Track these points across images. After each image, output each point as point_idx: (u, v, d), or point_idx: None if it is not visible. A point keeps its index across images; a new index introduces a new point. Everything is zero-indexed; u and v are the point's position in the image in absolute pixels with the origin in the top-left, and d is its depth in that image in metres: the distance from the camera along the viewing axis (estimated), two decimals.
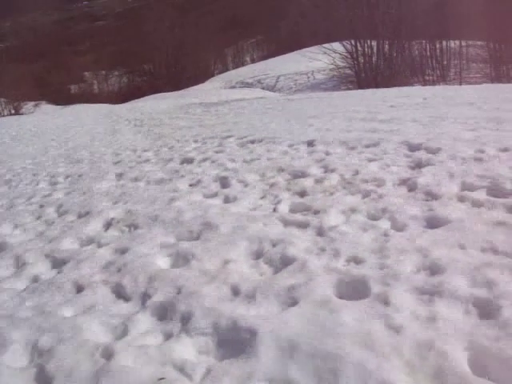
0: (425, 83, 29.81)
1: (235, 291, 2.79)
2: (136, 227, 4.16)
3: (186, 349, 2.35)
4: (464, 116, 7.17)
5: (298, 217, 3.82)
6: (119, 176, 6.53)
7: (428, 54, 34.25)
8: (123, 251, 3.61)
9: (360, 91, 16.20)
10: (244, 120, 10.73)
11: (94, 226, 4.36)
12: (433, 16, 26.13)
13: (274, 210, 4.08)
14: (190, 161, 6.77)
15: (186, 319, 2.57)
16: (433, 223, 3.36)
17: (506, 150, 4.86)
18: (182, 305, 2.69)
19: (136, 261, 3.35)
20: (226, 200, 4.59)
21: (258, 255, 3.28)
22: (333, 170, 4.92)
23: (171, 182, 5.67)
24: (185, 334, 2.44)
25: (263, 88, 34.65)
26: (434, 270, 2.73)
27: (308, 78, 35.12)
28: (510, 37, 26.77)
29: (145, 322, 2.64)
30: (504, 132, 5.72)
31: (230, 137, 8.22)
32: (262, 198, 4.49)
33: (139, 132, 11.96)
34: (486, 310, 2.33)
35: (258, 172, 5.37)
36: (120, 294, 3.01)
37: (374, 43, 24.70)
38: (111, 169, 7.12)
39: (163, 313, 2.69)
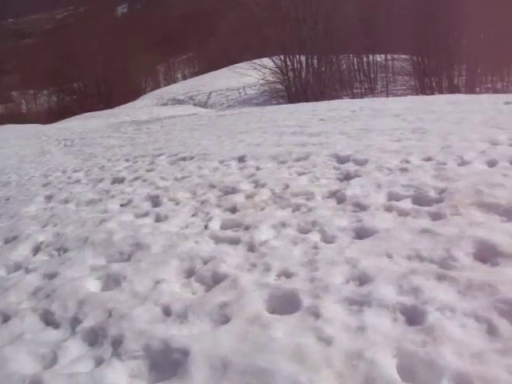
0: (353, 96, 30.51)
1: (167, 311, 2.76)
2: (65, 250, 4.07)
3: (118, 374, 2.31)
4: (390, 127, 7.37)
5: (229, 233, 3.83)
6: (48, 198, 6.37)
7: (356, 67, 35.12)
8: (52, 276, 3.51)
9: (290, 105, 16.41)
10: (175, 137, 10.68)
11: (21, 251, 4.23)
12: (359, 31, 26.83)
13: (206, 227, 4.07)
14: (121, 180, 6.68)
15: (117, 343, 2.52)
16: (361, 234, 3.43)
17: (429, 159, 5.03)
18: (113, 328, 2.65)
19: (65, 285, 3.27)
20: (158, 219, 4.55)
21: (189, 274, 3.26)
22: (263, 185, 4.95)
23: (102, 202, 5.57)
24: (116, 359, 2.39)
25: (195, 104, 34.60)
26: (362, 280, 2.78)
27: (239, 93, 35.32)
28: (432, 51, 27.74)
29: (75, 348, 2.57)
30: (427, 142, 5.91)
31: (161, 155, 8.16)
32: (193, 215, 4.47)
33: (69, 152, 11.73)
34: (413, 317, 2.39)
35: (190, 189, 5.35)
36: (49, 320, 2.92)
37: (303, 58, 25.10)
38: (40, 191, 6.94)
39: (94, 338, 2.63)
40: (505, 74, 31.07)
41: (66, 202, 5.98)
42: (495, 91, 28.54)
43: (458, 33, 29.10)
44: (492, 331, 2.21)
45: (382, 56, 34.36)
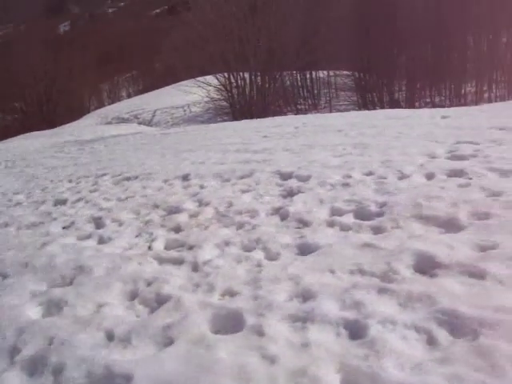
0: (297, 112, 30.87)
1: (110, 336, 2.71)
2: (5, 277, 3.95)
3: None
4: (333, 143, 7.47)
5: (173, 253, 3.81)
6: None
7: (299, 84, 35.57)
8: None
9: (235, 123, 16.46)
10: (119, 157, 10.56)
11: None
12: (302, 48, 27.20)
13: (149, 247, 4.04)
14: (63, 202, 6.55)
15: (58, 371, 2.46)
16: (304, 250, 3.46)
17: (370, 173, 5.13)
18: (54, 356, 2.58)
19: (4, 313, 3.17)
20: (101, 241, 4.48)
21: (133, 296, 3.22)
22: (207, 204, 4.94)
23: (43, 225, 5.45)
24: None
25: (140, 123, 34.26)
26: (306, 296, 2.80)
27: (184, 111, 35.18)
28: (372, 67, 28.40)
29: (14, 379, 2.50)
30: (368, 157, 6.02)
31: (105, 175, 8.05)
32: (136, 236, 4.42)
33: (10, 174, 11.43)
34: (355, 331, 2.42)
35: (133, 210, 5.29)
36: None
37: (246, 75, 25.25)
38: None
39: (34, 367, 2.56)
40: (442, 88, 32.04)
41: (6, 225, 5.81)
42: (434, 105, 29.39)
43: (397, 49, 29.89)
44: (431, 341, 2.27)
45: (325, 72, 34.95)
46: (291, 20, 24.75)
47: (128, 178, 7.34)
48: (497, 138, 6.33)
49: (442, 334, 2.29)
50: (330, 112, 28.81)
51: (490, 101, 28.76)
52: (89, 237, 4.65)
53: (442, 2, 29.80)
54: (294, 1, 25.68)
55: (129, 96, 69.13)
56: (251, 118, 20.51)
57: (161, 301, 3.03)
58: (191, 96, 28.74)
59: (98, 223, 5.07)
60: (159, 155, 9.53)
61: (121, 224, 4.87)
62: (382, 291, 2.72)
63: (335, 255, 3.23)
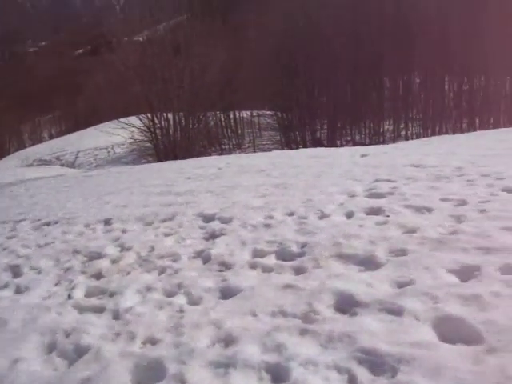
0: (222, 152, 31.13)
1: None
2: None
3: None
4: (255, 183, 7.54)
5: (94, 301, 3.71)
6: None
7: (223, 124, 35.93)
8: None
9: (159, 164, 16.39)
10: (40, 200, 10.26)
11: None
12: (225, 89, 27.61)
13: (69, 296, 3.92)
14: None
15: None
16: (226, 293, 3.45)
17: (291, 214, 5.20)
18: None
19: None
20: (18, 290, 4.31)
21: (50, 348, 3.10)
22: (129, 248, 4.87)
23: None
24: None
25: (62, 165, 33.62)
26: (228, 341, 2.79)
27: (108, 152, 34.82)
28: (294, 107, 29.05)
29: None
30: (290, 197, 6.11)
31: (24, 220, 7.78)
32: (56, 284, 4.29)
33: None
34: (278, 374, 2.43)
35: (53, 257, 5.13)
36: None
37: (170, 116, 25.27)
38: None
39: None
40: (362, 127, 33.15)
41: None
42: (354, 143, 30.34)
43: (318, 90, 30.77)
44: (352, 381, 2.30)
45: (248, 112, 35.52)
46: (214, 61, 25.04)
47: (48, 223, 7.13)
48: (412, 175, 6.57)
49: (362, 373, 2.33)
50: (254, 151, 29.23)
51: (406, 138, 29.95)
52: (5, 287, 4.46)
53: (358, 45, 31.07)
54: (216, 43, 26.03)
55: (51, 137, 67.84)
56: (175, 158, 20.48)
57: (80, 352, 2.94)
58: (115, 137, 28.49)
59: (16, 272, 4.88)
60: (81, 198, 9.32)
61: (39, 272, 4.72)
62: (303, 332, 2.74)
63: (257, 298, 3.23)
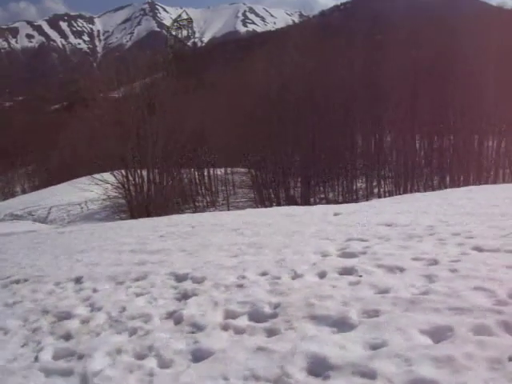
0: (196, 209, 31.15)
1: None
2: None
3: None
4: (228, 242, 7.53)
5: (62, 364, 3.63)
6: None
7: (197, 181, 36.07)
8: None
9: (132, 221, 16.30)
10: (10, 257, 10.09)
11: None
12: (199, 146, 27.90)
13: (36, 358, 3.82)
14: None
15: None
16: (198, 356, 3.40)
17: (264, 274, 5.18)
18: None
19: None
20: None
21: None
22: (100, 309, 4.79)
23: None
24: None
25: (35, 220, 33.28)
26: None
27: (81, 208, 34.63)
28: (268, 165, 29.35)
29: None
30: (263, 256, 6.10)
31: None
32: (23, 345, 4.18)
33: None
34: None
35: (21, 316, 5.02)
36: None
37: (144, 172, 25.33)
38: None
39: None
40: (335, 184, 33.54)
41: None
42: (328, 201, 30.61)
43: (291, 148, 31.18)
44: None
45: (222, 170, 35.78)
46: (189, 119, 25.35)
47: (17, 281, 7.00)
48: (384, 234, 6.63)
49: None
50: (228, 209, 29.32)
51: (379, 196, 30.31)
52: None
53: (331, 106, 31.78)
54: (191, 101, 26.39)
55: (24, 192, 67.31)
56: (149, 215, 20.44)
57: None
58: (88, 193, 28.38)
59: None
60: (52, 256, 9.20)
61: (6, 332, 4.60)
62: None
63: (229, 361, 3.19)
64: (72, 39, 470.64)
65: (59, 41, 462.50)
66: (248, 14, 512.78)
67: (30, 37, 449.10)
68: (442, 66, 29.73)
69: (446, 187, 27.91)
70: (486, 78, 27.98)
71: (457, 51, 29.65)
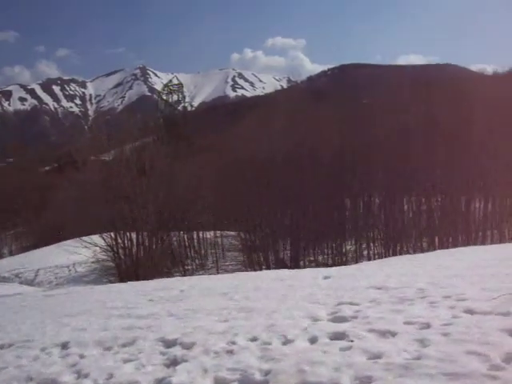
0: (185, 272, 30.93)
1: None
2: None
3: None
4: (218, 307, 7.44)
5: None
6: None
7: (187, 244, 35.93)
8: None
9: (120, 285, 16.09)
10: None
11: None
12: (188, 210, 28.01)
13: None
14: None
15: None
16: None
17: (255, 339, 5.11)
18: None
19: None
20: None
21: None
22: (86, 375, 4.68)
23: None
24: None
25: (21, 282, 32.82)
26: None
27: (69, 271, 34.26)
28: (257, 228, 29.39)
29: None
30: (253, 321, 6.03)
31: None
32: None
33: None
34: None
35: None
36: None
37: (133, 235, 25.23)
38: None
39: None
40: (324, 247, 33.53)
41: None
42: (317, 264, 30.52)
43: (280, 211, 31.30)
44: None
45: (212, 233, 35.76)
46: (179, 183, 25.52)
47: (1, 346, 6.86)
48: (375, 297, 6.60)
49: None
50: (217, 272, 29.16)
51: (368, 258, 30.29)
52: None
53: (319, 169, 32.16)
54: (181, 164, 26.66)
55: (11, 253, 66.63)
56: (137, 279, 20.26)
57: None
58: (77, 255, 28.15)
59: None
60: (38, 320, 9.05)
61: None
62: None
63: None
64: (64, 102, 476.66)
65: (51, 104, 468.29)
66: (237, 79, 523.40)
67: (22, 100, 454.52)
68: (428, 129, 30.28)
69: (435, 249, 27.97)
70: (471, 141, 28.56)
71: (442, 115, 30.33)
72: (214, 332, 5.64)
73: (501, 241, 27.78)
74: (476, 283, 6.99)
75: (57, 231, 50.43)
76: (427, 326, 4.78)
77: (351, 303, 6.36)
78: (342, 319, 5.55)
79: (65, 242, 35.58)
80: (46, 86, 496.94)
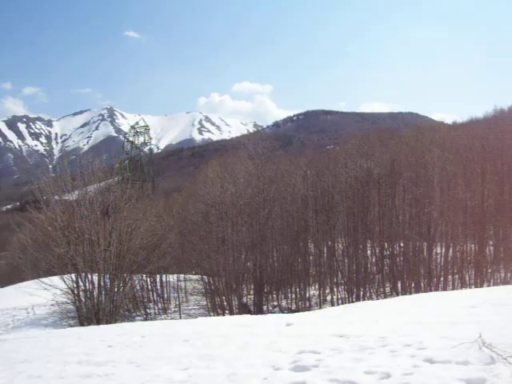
0: (147, 316, 30.45)
1: None
2: None
3: None
4: (179, 354, 7.34)
5: None
6: None
7: (149, 287, 35.45)
8: None
9: (80, 329, 15.73)
10: None
11: None
12: (151, 253, 27.78)
13: None
14: None
15: None
16: None
17: None
18: None
19: None
20: None
21: None
22: None
23: None
24: None
25: None
26: None
27: (28, 313, 33.38)
28: (221, 271, 29.24)
29: None
30: (214, 369, 5.97)
31: None
32: None
33: None
34: None
35: None
36: None
37: (95, 277, 24.81)
38: None
39: None
40: (288, 292, 33.48)
41: None
42: (281, 309, 30.41)
43: (244, 255, 31.24)
44: None
45: (175, 276, 35.42)
46: (142, 225, 25.36)
47: None
48: (336, 346, 6.61)
49: None
50: (180, 316, 28.80)
51: (332, 303, 30.30)
52: None
53: (282, 213, 32.37)
54: (145, 207, 26.52)
55: None
56: (98, 322, 19.87)
57: None
58: (36, 297, 27.50)
59: None
60: None
61: None
62: None
63: None
64: (29, 140, 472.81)
65: (16, 142, 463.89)
66: (204, 122, 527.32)
67: None
68: (390, 176, 30.85)
69: (397, 293, 28.18)
70: (433, 188, 29.17)
71: (404, 162, 31.00)
72: (173, 381, 5.56)
73: (462, 286, 28.15)
74: (435, 331, 7.06)
75: (15, 272, 49.35)
76: (387, 375, 4.80)
77: (313, 351, 6.36)
78: (303, 368, 5.54)
79: (23, 284, 34.82)
80: (11, 124, 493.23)
